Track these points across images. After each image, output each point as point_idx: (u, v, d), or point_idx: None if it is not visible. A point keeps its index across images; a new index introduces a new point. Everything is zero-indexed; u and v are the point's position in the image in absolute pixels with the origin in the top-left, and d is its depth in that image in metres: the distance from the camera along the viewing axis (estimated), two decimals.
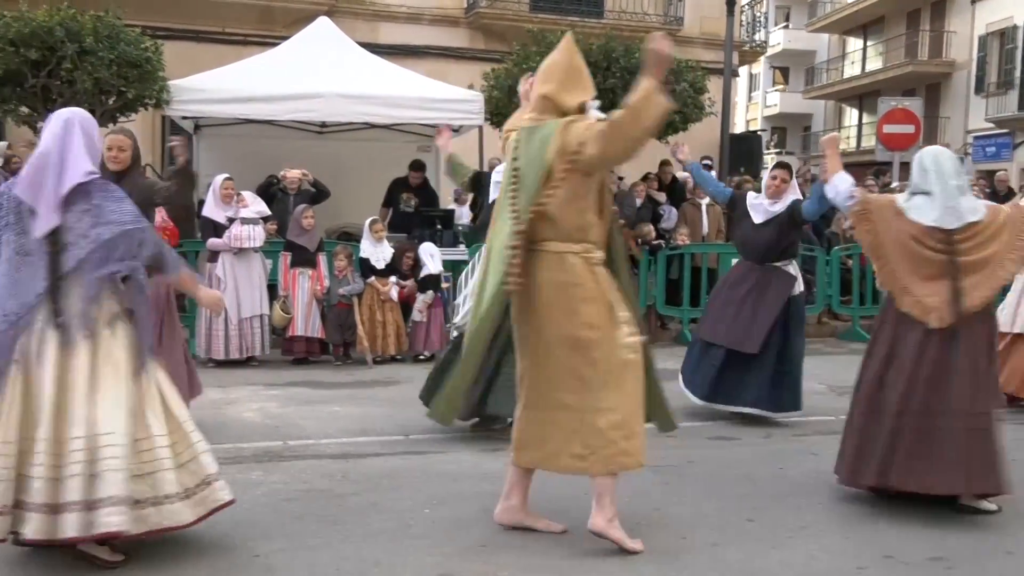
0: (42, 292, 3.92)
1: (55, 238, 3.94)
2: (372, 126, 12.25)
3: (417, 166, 11.90)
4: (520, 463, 4.51)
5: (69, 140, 4.04)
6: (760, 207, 6.98)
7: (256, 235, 9.20)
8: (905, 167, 11.16)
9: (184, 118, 11.56)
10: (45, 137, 4.10)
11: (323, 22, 12.61)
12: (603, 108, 4.46)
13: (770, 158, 35.67)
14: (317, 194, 10.52)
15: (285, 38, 12.82)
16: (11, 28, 9.66)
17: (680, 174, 13.24)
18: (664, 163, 13.04)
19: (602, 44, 11.96)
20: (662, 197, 12.51)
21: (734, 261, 11.34)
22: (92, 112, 10.12)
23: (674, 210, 12.28)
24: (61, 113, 4.17)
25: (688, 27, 18.73)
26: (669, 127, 12.36)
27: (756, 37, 23.28)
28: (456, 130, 12.51)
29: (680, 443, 6.34)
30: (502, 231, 4.37)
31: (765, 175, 7.27)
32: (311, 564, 4.10)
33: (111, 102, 10.39)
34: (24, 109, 10.45)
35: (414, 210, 11.44)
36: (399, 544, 4.36)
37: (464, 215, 11.98)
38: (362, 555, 4.21)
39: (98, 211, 3.98)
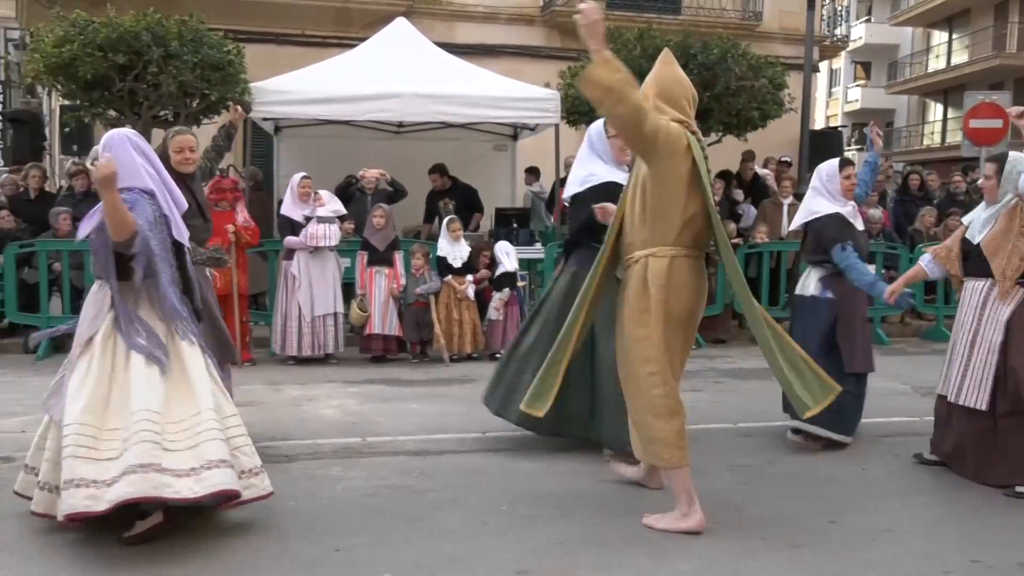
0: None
1: None
2: (448, 125, 12.32)
3: (435, 170, 11.92)
4: None
5: None
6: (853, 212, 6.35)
7: (331, 234, 9.31)
8: None
9: (265, 119, 11.76)
10: None
11: (400, 23, 12.72)
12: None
13: (851, 155, 35.03)
14: (394, 193, 10.62)
15: (362, 39, 12.95)
16: (100, 34, 9.91)
17: (761, 171, 13.07)
18: (745, 159, 12.88)
19: (679, 41, 11.85)
20: (740, 195, 12.36)
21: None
22: (177, 115, 10.48)
23: (753, 209, 12.13)
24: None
25: (767, 22, 18.46)
26: (748, 124, 12.23)
27: (837, 31, 22.86)
28: (532, 128, 12.55)
29: (760, 444, 6.28)
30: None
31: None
32: (390, 559, 4.14)
33: (195, 104, 10.59)
34: (112, 112, 10.71)
35: (454, 212, 11.50)
36: (477, 541, 4.38)
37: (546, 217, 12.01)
38: (440, 551, 4.24)
39: None
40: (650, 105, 4.38)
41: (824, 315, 6.09)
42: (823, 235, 6.11)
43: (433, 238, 10.73)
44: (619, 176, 5.60)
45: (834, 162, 6.32)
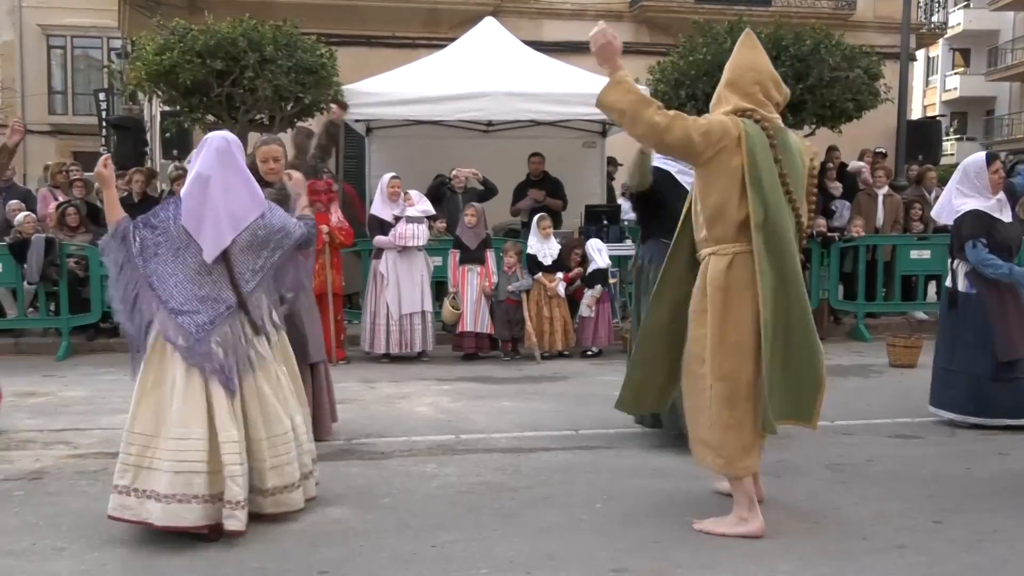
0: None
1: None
2: (537, 123, 12.34)
3: (537, 154, 11.91)
4: None
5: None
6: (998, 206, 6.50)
7: (420, 234, 9.41)
8: None
9: (357, 121, 11.94)
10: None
11: (489, 22, 12.78)
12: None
13: (950, 144, 34.04)
14: (485, 191, 10.69)
15: (451, 39, 13.05)
16: (198, 41, 10.19)
17: (856, 163, 12.78)
18: (831, 148, 12.62)
19: (771, 32, 11.66)
20: (838, 189, 12.08)
21: (913, 253, 11.04)
22: (272, 118, 10.71)
23: (848, 204, 11.86)
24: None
25: (861, 11, 18.02)
26: (842, 115, 11.98)
27: (934, 18, 22.23)
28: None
29: (857, 440, 6.16)
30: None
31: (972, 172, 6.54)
32: (486, 555, 4.17)
33: (289, 108, 10.82)
34: (210, 117, 11.01)
35: (543, 203, 11.50)
36: (572, 538, 4.38)
37: (628, 210, 11.91)
38: (535, 548, 4.25)
39: None
40: (669, 115, 4.25)
41: (973, 309, 6.45)
42: (959, 232, 6.48)
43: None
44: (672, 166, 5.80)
45: (980, 158, 6.59)
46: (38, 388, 8.16)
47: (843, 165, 12.58)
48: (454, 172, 10.83)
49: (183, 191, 4.38)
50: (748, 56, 4.56)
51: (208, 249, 4.28)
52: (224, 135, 4.45)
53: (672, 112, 4.33)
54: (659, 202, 5.80)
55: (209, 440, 4.23)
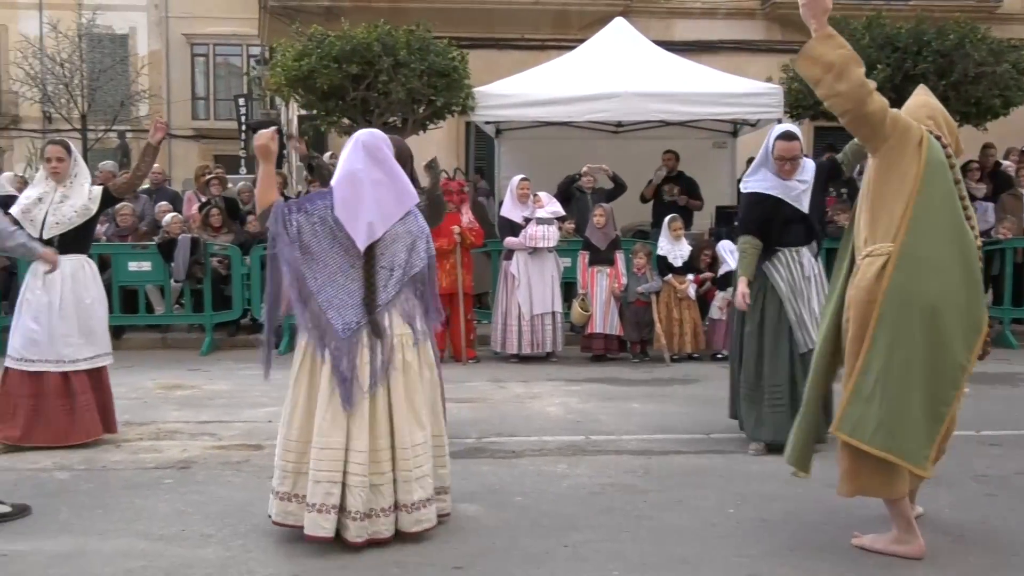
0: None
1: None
2: (667, 124, 12.24)
3: (671, 151, 11.84)
4: None
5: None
6: None
7: (550, 235, 9.44)
8: None
9: (487, 123, 12.06)
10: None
11: (619, 23, 12.74)
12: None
13: None
14: (614, 188, 10.68)
15: (580, 40, 13.05)
16: (335, 47, 10.48)
17: (1005, 161, 12.27)
18: (987, 146, 12.12)
19: (912, 27, 11.29)
20: (980, 190, 11.60)
21: None
22: (405, 121, 10.92)
23: (990, 206, 11.35)
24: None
25: (1008, 3, 17.24)
26: (988, 112, 11.51)
27: None
28: (753, 124, 12.27)
29: (1005, 452, 5.91)
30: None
31: None
32: (618, 557, 4.16)
33: (421, 110, 11.01)
34: (345, 120, 11.30)
35: (676, 198, 11.37)
36: (704, 542, 4.33)
37: None
38: (668, 551, 4.22)
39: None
40: (874, 87, 4.11)
41: None
42: None
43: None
44: (777, 188, 5.82)
45: None
46: (184, 381, 8.52)
47: (997, 164, 12.07)
48: (584, 169, 10.82)
49: (333, 182, 4.28)
50: (921, 98, 4.44)
51: (360, 240, 4.17)
52: (372, 132, 4.44)
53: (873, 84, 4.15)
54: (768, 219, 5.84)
55: (346, 451, 4.16)
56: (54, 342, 6.04)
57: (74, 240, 6.13)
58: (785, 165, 5.78)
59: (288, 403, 4.31)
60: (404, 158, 4.63)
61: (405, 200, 4.34)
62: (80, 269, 6.18)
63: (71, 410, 6.05)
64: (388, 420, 4.22)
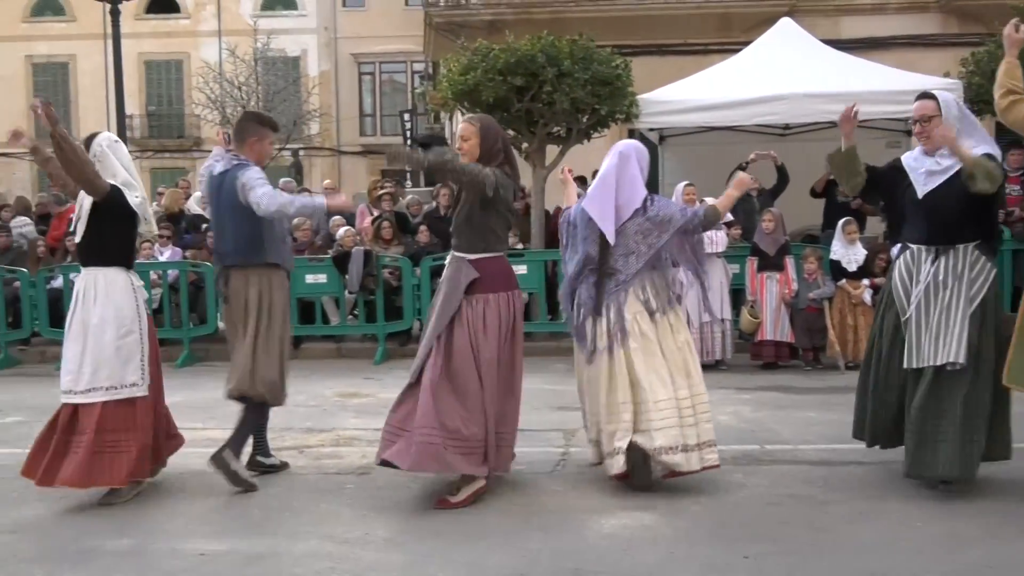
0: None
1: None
2: (837, 125, 11.86)
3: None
4: None
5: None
6: None
7: (718, 240, 9.30)
8: None
9: (650, 130, 12.00)
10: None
11: (785, 23, 12.47)
12: None
13: None
14: (778, 184, 10.46)
15: (744, 43, 12.83)
16: (499, 59, 10.63)
17: None
18: None
19: None
20: None
21: None
22: (569, 130, 10.98)
23: None
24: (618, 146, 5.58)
25: None
26: None
27: None
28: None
29: None
30: None
31: None
32: (801, 569, 4.07)
33: (585, 120, 11.05)
34: (510, 132, 11.43)
35: (850, 200, 10.94)
36: (893, 557, 4.18)
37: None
38: (854, 565, 4.10)
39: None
40: None
41: None
42: None
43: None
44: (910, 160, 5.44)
45: None
46: (359, 389, 8.81)
47: None
48: (751, 156, 10.51)
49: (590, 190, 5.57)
50: None
51: (608, 231, 5.27)
52: (632, 143, 5.70)
53: None
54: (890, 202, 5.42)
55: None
56: (64, 370, 5.35)
57: (87, 250, 5.41)
58: (916, 127, 5.29)
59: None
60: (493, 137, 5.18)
61: (637, 198, 5.43)
62: (91, 285, 5.33)
63: (64, 451, 5.21)
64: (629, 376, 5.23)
